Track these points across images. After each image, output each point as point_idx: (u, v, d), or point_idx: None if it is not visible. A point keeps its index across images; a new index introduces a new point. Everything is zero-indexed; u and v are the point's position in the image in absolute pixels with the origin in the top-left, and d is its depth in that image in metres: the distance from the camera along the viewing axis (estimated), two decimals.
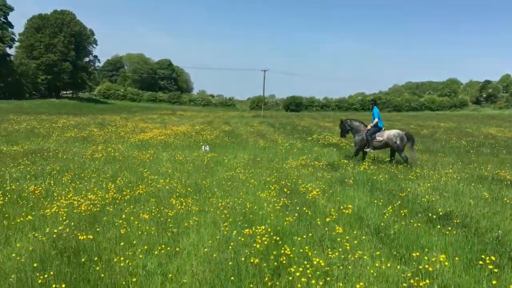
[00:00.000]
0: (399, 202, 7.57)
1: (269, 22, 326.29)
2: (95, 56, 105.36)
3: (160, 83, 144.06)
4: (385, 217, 6.74)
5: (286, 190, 8.41)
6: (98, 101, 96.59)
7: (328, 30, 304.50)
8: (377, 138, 13.00)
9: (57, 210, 6.46)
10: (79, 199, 7.17)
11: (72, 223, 5.90)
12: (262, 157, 13.34)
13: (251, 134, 22.84)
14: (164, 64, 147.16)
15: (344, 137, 14.43)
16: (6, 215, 6.12)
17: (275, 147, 16.53)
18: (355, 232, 6.00)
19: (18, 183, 8.11)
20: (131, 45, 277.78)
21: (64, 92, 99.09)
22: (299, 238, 5.60)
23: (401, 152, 12.54)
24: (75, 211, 6.54)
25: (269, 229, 5.87)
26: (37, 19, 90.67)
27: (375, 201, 7.65)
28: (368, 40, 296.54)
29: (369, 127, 13.26)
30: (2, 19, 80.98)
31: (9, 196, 7.06)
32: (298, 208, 7.10)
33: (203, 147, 15.29)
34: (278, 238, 5.56)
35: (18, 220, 5.92)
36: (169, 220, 6.34)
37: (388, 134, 12.83)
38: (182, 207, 7.04)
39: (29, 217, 6.05)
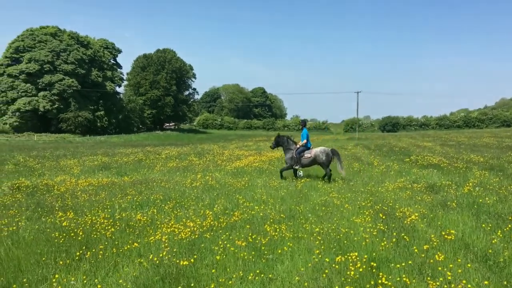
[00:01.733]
0: (509, 226, 6.93)
1: (361, 42, 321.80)
2: (194, 89, 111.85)
3: (255, 110, 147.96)
4: (494, 242, 6.20)
5: (382, 215, 8.11)
6: (197, 131, 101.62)
7: (424, 44, 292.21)
8: (305, 155, 14.13)
9: (160, 237, 6.88)
10: (179, 226, 7.56)
11: (173, 250, 6.24)
12: (357, 181, 13.03)
13: (345, 157, 22.44)
14: (258, 92, 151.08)
15: (272, 149, 16.14)
16: (116, 243, 6.65)
17: (371, 170, 16.06)
18: (458, 259, 5.60)
19: (126, 213, 8.79)
20: (226, 76, 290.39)
21: (167, 124, 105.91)
22: (396, 266, 5.36)
23: (326, 168, 13.79)
24: (175, 238, 6.91)
25: (364, 256, 5.70)
26: (142, 58, 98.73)
27: (482, 226, 7.07)
28: (469, 53, 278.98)
29: (298, 146, 14.39)
30: (112, 61, 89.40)
31: (118, 224, 7.67)
32: (395, 233, 6.81)
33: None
34: (374, 265, 5.38)
35: (126, 248, 6.40)
36: (263, 247, 6.44)
37: (315, 151, 14.07)
38: (276, 233, 7.11)
39: (135, 244, 6.51)
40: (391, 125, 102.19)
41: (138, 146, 40.92)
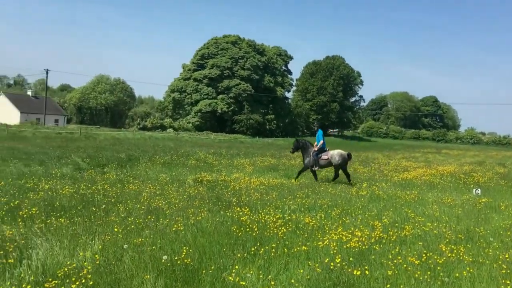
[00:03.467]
0: None
1: None
2: (361, 96, 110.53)
3: (424, 120, 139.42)
4: None
5: None
6: (361, 139, 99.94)
7: None
8: (322, 157, 14.86)
9: (328, 243, 6.96)
10: (347, 234, 7.54)
11: (342, 258, 6.25)
12: None
13: None
14: (429, 101, 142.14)
15: (292, 153, 16.52)
16: (286, 243, 6.94)
17: None
18: None
19: (295, 214, 9.11)
20: (395, 84, 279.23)
21: (331, 130, 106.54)
22: None
23: (340, 169, 14.91)
24: (344, 246, 6.91)
25: None
26: (311, 65, 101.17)
27: None
28: None
29: (315, 148, 15.01)
30: (283, 67, 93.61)
31: (289, 225, 7.99)
32: None
33: (474, 190, 13.99)
34: None
35: (296, 249, 6.63)
36: (438, 267, 6.02)
37: (332, 153, 14.89)
38: (453, 254, 6.58)
39: (304, 247, 6.70)
40: None
41: None
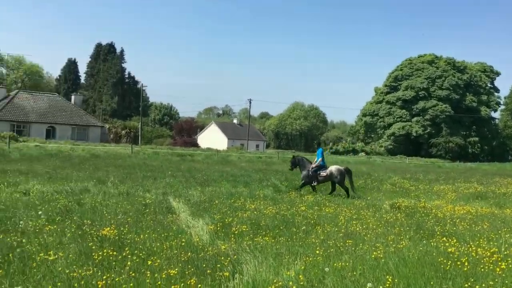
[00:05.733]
0: None
1: None
2: None
3: None
4: None
5: None
6: None
7: None
8: (321, 174, 15.76)
9: None
10: None
11: None
12: None
13: None
14: None
15: (292, 170, 17.41)
16: (506, 282, 6.06)
17: None
18: None
19: None
20: None
21: None
22: None
23: (342, 185, 15.69)
24: None
25: None
26: None
27: None
28: None
29: (313, 165, 15.95)
30: (488, 84, 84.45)
31: (508, 261, 6.97)
32: None
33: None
34: None
35: None
36: None
37: (331, 169, 15.80)
38: None
39: None
40: None
41: None
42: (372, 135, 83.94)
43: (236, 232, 8.56)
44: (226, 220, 9.52)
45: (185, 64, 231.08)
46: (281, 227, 9.21)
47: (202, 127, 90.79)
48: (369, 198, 15.43)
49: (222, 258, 6.59)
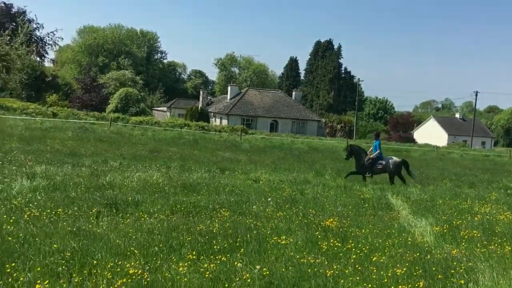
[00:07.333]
0: None
1: None
2: None
3: None
4: None
5: None
6: None
7: None
8: (378, 166, 15.61)
9: None
10: None
11: None
12: None
13: None
14: None
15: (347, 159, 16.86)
16: None
17: None
18: None
19: None
20: None
21: None
22: None
23: (393, 177, 15.47)
24: None
25: None
26: None
27: None
28: None
29: (371, 156, 15.67)
30: None
31: None
32: None
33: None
34: None
35: None
36: None
37: (387, 161, 15.67)
38: None
39: None
40: None
41: None
42: None
43: (465, 236, 7.83)
44: (454, 222, 8.80)
45: (398, 58, 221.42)
46: None
47: (419, 122, 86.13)
48: None
49: (455, 263, 6.10)
